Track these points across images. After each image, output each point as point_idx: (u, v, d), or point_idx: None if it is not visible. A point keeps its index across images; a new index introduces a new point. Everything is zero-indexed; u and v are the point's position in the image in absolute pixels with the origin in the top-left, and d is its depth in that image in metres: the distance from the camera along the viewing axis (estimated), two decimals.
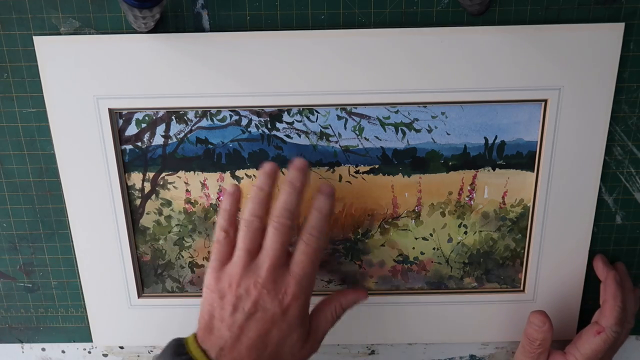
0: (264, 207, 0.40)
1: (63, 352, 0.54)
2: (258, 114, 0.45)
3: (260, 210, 0.40)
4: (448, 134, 0.45)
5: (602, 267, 0.47)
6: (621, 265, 0.49)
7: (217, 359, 0.38)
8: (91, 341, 0.52)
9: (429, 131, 0.45)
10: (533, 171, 0.46)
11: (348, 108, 0.45)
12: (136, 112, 0.45)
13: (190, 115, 0.45)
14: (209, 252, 0.49)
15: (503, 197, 0.47)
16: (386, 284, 0.50)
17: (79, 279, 0.50)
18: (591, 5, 0.42)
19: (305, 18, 0.42)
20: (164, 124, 0.45)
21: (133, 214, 0.48)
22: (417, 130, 0.45)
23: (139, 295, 0.50)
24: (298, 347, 0.40)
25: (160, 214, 0.48)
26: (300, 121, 0.45)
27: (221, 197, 0.47)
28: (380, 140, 0.46)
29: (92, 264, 0.49)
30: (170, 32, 0.42)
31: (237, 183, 0.43)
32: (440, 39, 0.42)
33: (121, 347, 0.53)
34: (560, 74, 0.43)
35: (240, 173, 0.47)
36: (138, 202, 0.48)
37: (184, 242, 0.49)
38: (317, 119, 0.45)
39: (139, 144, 0.46)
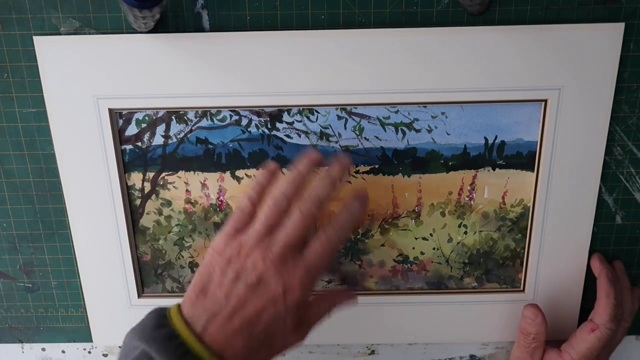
0: (296, 189, 0.39)
1: (63, 352, 0.54)
2: (258, 114, 0.45)
3: (292, 191, 0.39)
4: (448, 134, 0.45)
5: (598, 265, 0.47)
6: (619, 264, 0.49)
7: (204, 328, 0.35)
8: (91, 341, 0.52)
9: (429, 131, 0.45)
10: (533, 171, 0.46)
11: (348, 108, 0.45)
12: (136, 112, 0.45)
13: (190, 115, 0.45)
14: None
15: (503, 197, 0.47)
16: (386, 284, 0.50)
17: (79, 279, 0.50)
18: (591, 5, 0.42)
19: (305, 18, 0.42)
20: (164, 124, 0.45)
21: (133, 214, 0.48)
22: (417, 130, 0.45)
23: (139, 295, 0.50)
24: (288, 332, 0.38)
25: (160, 214, 0.48)
26: (300, 121, 0.45)
27: (221, 197, 0.47)
28: (380, 140, 0.46)
29: (92, 264, 0.49)
30: (170, 32, 0.42)
31: (279, 166, 0.42)
32: (440, 39, 0.42)
33: (121, 347, 0.53)
34: (560, 74, 0.43)
35: (240, 173, 0.47)
36: (138, 202, 0.48)
37: (184, 242, 0.49)
38: (317, 119, 0.45)
39: (139, 144, 0.46)
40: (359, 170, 0.46)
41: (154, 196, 0.48)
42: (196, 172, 0.47)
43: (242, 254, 0.37)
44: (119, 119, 0.45)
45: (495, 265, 0.50)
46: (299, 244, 0.38)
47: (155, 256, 0.49)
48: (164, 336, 0.34)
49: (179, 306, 0.37)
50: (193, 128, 0.45)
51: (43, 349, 0.54)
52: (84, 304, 0.51)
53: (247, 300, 0.36)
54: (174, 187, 0.47)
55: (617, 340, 0.48)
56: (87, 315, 0.51)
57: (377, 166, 0.46)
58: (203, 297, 0.36)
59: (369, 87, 0.43)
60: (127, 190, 0.47)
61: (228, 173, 0.47)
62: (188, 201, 0.48)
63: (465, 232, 0.49)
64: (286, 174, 0.40)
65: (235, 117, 0.45)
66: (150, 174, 0.47)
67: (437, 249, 0.49)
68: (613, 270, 0.48)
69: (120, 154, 0.46)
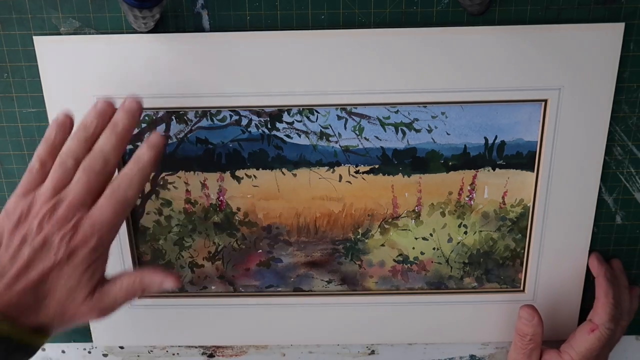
0: (84, 146, 0.38)
1: (63, 352, 0.54)
2: (258, 114, 0.45)
3: (79, 150, 0.38)
4: (448, 134, 0.45)
5: (596, 264, 0.47)
6: (617, 262, 0.49)
7: None
8: (91, 341, 0.52)
9: (429, 131, 0.45)
10: (533, 171, 0.46)
11: (348, 108, 0.45)
12: None
13: (190, 115, 0.45)
14: (209, 252, 0.49)
15: (503, 197, 0.47)
16: (386, 284, 0.50)
17: None
18: (591, 5, 0.42)
19: (305, 18, 0.42)
20: (164, 124, 0.45)
21: (133, 214, 0.48)
22: (417, 130, 0.45)
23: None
24: (80, 300, 0.37)
25: (160, 214, 0.48)
26: (300, 121, 0.45)
27: (221, 197, 0.47)
28: (380, 140, 0.46)
29: None
30: (170, 32, 0.42)
31: (70, 113, 0.40)
32: (440, 39, 0.42)
33: (121, 347, 0.53)
34: (560, 74, 0.43)
35: (240, 173, 0.47)
36: (138, 202, 0.48)
37: (184, 242, 0.49)
38: (317, 119, 0.45)
39: (139, 144, 0.46)
40: (359, 170, 0.46)
41: (154, 196, 0.47)
42: (196, 172, 0.47)
43: (30, 216, 0.37)
44: None
45: (495, 265, 0.50)
46: (86, 202, 0.37)
47: (155, 256, 0.49)
48: None
49: None
50: (193, 128, 0.45)
51: (43, 349, 0.53)
52: None
53: (32, 263, 0.36)
54: (174, 187, 0.47)
55: (616, 339, 0.48)
56: None
57: (377, 166, 0.46)
58: None
59: (369, 87, 0.43)
60: None
61: (228, 173, 0.47)
62: (188, 201, 0.48)
63: (465, 232, 0.49)
64: (73, 130, 0.39)
65: (235, 117, 0.45)
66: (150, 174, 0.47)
67: (437, 249, 0.49)
68: (611, 269, 0.48)
69: None
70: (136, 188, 0.38)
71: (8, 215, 0.37)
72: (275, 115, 0.45)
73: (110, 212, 0.37)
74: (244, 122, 0.45)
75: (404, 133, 0.45)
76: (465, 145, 0.46)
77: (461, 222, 0.48)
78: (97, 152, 0.38)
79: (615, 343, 0.48)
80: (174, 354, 0.54)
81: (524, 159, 0.46)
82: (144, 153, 0.38)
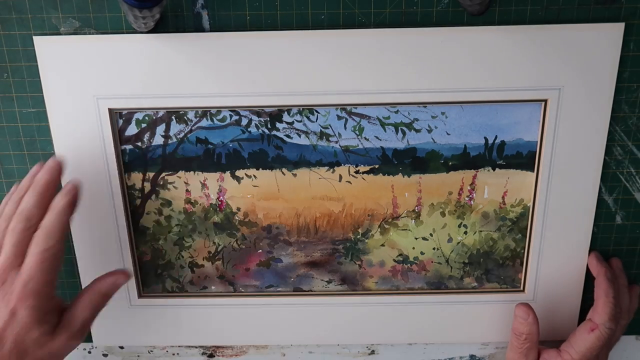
0: (15, 208, 0.40)
1: None
2: (258, 114, 0.45)
3: (11, 212, 0.40)
4: (448, 134, 0.45)
5: (596, 264, 0.47)
6: (616, 261, 0.49)
7: None
8: (91, 341, 0.52)
9: (429, 131, 0.45)
10: (533, 171, 0.46)
11: (348, 108, 0.45)
12: (136, 112, 0.45)
13: (190, 115, 0.45)
14: (209, 252, 0.49)
15: (503, 197, 0.47)
16: (386, 284, 0.50)
17: (79, 279, 0.50)
18: (591, 5, 0.42)
19: (305, 18, 0.42)
20: (164, 124, 0.45)
21: (133, 214, 0.48)
22: (417, 130, 0.45)
23: (139, 295, 0.50)
24: (44, 341, 0.39)
25: (160, 214, 0.48)
26: (300, 121, 0.45)
27: (221, 197, 0.47)
28: (380, 140, 0.46)
29: (92, 264, 0.48)
30: (170, 32, 0.42)
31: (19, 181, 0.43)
32: (440, 39, 0.42)
33: (121, 347, 0.53)
34: (560, 74, 0.43)
35: (240, 173, 0.47)
36: (138, 202, 0.48)
37: (184, 242, 0.49)
38: (317, 119, 0.45)
39: (139, 144, 0.46)
40: (359, 170, 0.46)
41: (154, 196, 0.48)
42: (196, 172, 0.47)
43: None
44: (119, 119, 0.45)
45: (495, 265, 0.50)
46: (15, 261, 0.39)
47: (155, 256, 0.49)
48: None
49: None
50: (193, 128, 0.45)
51: None
52: None
53: None
54: (174, 187, 0.47)
55: (616, 338, 0.48)
56: None
57: (377, 166, 0.46)
58: None
59: (369, 87, 0.43)
60: (127, 190, 0.47)
61: (228, 173, 0.47)
62: (188, 201, 0.48)
63: (465, 232, 0.49)
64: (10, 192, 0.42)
65: (235, 117, 0.45)
66: (150, 174, 0.47)
67: (437, 249, 0.49)
68: (611, 268, 0.48)
69: (120, 154, 0.46)
70: (56, 236, 0.39)
71: None
72: (275, 115, 0.45)
73: (37, 268, 0.38)
74: (244, 122, 0.45)
75: (404, 133, 0.45)
76: (465, 145, 0.46)
77: (461, 222, 0.48)
78: (19, 212, 0.40)
79: (615, 342, 0.48)
80: (174, 354, 0.54)
81: (524, 159, 0.46)
82: (58, 201, 0.40)
